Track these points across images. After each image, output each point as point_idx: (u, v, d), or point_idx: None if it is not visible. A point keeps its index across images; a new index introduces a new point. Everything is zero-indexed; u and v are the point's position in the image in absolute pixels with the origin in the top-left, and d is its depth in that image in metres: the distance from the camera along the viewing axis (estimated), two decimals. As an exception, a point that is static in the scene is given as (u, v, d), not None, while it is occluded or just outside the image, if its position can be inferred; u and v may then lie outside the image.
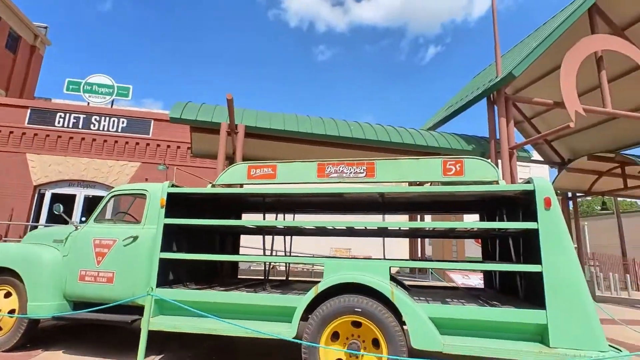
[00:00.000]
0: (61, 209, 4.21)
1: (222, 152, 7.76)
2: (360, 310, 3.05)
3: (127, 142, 11.68)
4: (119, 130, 11.70)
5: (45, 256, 4.15)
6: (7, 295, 4.19)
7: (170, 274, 4.07)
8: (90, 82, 13.03)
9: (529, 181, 3.24)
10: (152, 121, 12.03)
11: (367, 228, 4.17)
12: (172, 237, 4.04)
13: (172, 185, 4.02)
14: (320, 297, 3.23)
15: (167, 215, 3.87)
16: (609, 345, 2.80)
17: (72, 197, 11.11)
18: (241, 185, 4.65)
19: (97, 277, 3.99)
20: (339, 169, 4.58)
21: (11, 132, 10.97)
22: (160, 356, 4.16)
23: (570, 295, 2.83)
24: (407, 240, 15.91)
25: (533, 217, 3.11)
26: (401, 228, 4.32)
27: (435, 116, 11.61)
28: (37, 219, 10.71)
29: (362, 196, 4.05)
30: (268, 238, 4.84)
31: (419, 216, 11.10)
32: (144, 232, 4.06)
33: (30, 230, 10.34)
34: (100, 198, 11.38)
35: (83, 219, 11.16)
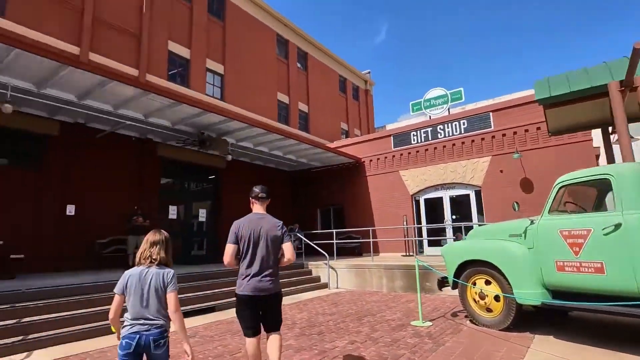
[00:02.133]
0: (517, 207, 4.66)
1: (620, 115, 6.41)
2: None
3: (473, 141, 12.30)
4: (462, 131, 12.55)
5: (516, 250, 4.66)
6: (487, 283, 5.03)
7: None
8: (428, 98, 15.02)
9: None
10: (490, 114, 12.12)
11: None
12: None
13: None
14: None
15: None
16: None
17: (439, 200, 12.87)
18: None
19: (580, 267, 4.01)
20: None
21: (386, 157, 14.29)
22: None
23: None
24: None
25: None
26: None
27: None
28: (419, 221, 13.16)
29: None
30: None
31: None
32: (626, 218, 3.72)
33: (418, 231, 12.63)
34: (462, 196, 12.48)
35: (453, 217, 12.57)
